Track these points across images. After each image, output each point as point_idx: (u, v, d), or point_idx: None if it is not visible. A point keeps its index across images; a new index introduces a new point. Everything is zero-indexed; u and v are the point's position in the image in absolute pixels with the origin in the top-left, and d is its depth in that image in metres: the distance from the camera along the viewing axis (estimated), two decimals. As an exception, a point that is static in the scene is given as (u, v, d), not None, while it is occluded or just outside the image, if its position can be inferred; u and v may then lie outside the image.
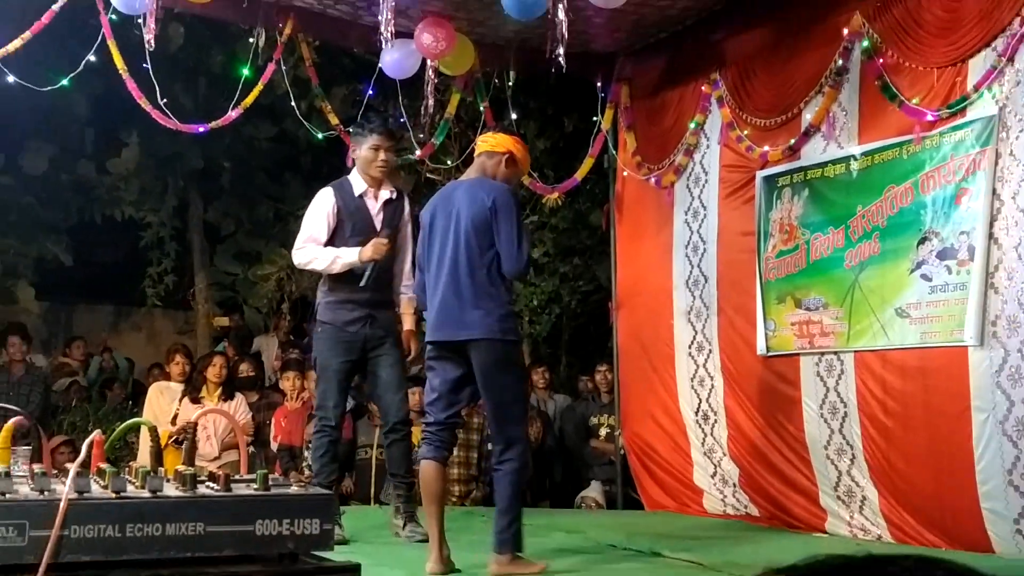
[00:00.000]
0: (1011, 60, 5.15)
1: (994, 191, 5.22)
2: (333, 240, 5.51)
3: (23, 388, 8.69)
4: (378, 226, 5.55)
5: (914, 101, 5.60)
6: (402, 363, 5.73)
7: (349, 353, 5.47)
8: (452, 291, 4.64)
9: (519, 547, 4.51)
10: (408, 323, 5.77)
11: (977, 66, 5.33)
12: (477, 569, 4.65)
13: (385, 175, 5.61)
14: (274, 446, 7.87)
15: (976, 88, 5.31)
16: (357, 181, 5.60)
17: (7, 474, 1.59)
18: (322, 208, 5.52)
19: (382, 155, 5.55)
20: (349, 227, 5.51)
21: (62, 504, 1.50)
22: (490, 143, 4.89)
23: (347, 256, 5.41)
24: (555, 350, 10.76)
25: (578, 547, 5.53)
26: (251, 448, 7.54)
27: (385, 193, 5.64)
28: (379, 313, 5.58)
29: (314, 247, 5.47)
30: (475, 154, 4.97)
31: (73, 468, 1.56)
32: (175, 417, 7.42)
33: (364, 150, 5.56)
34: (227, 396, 7.67)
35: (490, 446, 7.68)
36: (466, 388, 4.81)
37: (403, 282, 5.70)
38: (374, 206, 5.59)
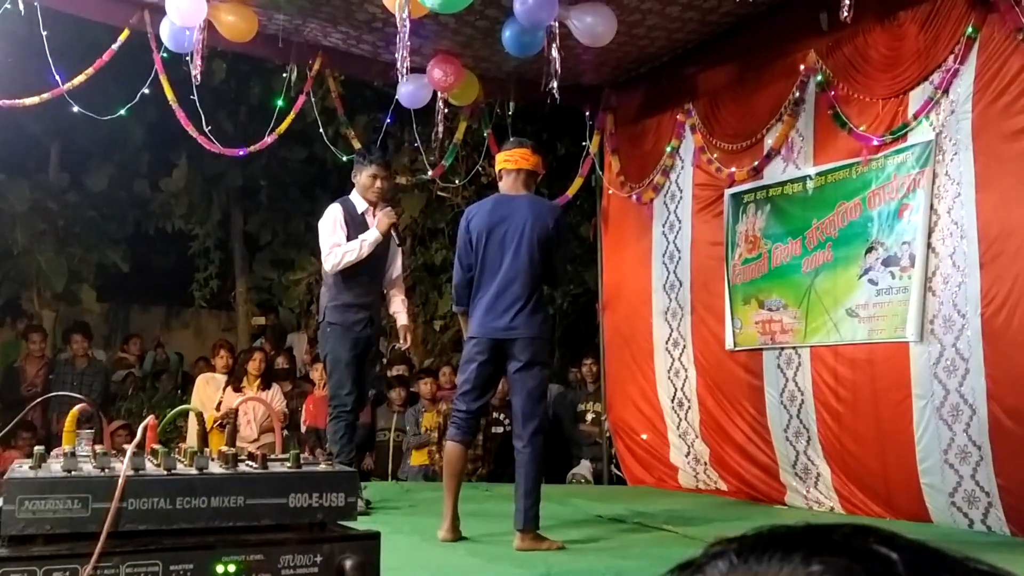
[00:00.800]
0: (946, 92, 5.16)
1: (931, 206, 5.22)
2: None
3: (86, 379, 8.71)
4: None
5: (861, 128, 5.60)
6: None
7: (355, 348, 5.48)
8: (508, 294, 4.60)
9: (538, 524, 4.47)
10: (405, 319, 5.83)
11: (916, 97, 5.34)
12: (482, 537, 4.65)
13: (380, 200, 5.62)
14: (303, 428, 7.88)
15: (915, 116, 5.31)
16: (358, 201, 5.62)
17: (73, 454, 1.59)
18: (335, 219, 5.52)
19: (378, 183, 5.59)
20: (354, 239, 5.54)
21: (121, 480, 1.50)
22: (531, 162, 4.79)
23: (369, 236, 5.45)
24: (551, 347, 10.74)
25: (568, 517, 5.52)
26: (285, 431, 7.54)
27: (387, 210, 5.63)
28: (375, 316, 5.64)
29: (339, 248, 5.45)
30: (512, 167, 4.81)
31: (130, 448, 1.56)
32: (219, 404, 7.41)
33: (364, 177, 5.60)
34: (265, 386, 7.67)
35: (495, 429, 7.71)
36: (496, 382, 4.84)
37: (394, 287, 5.81)
38: (372, 223, 5.57)
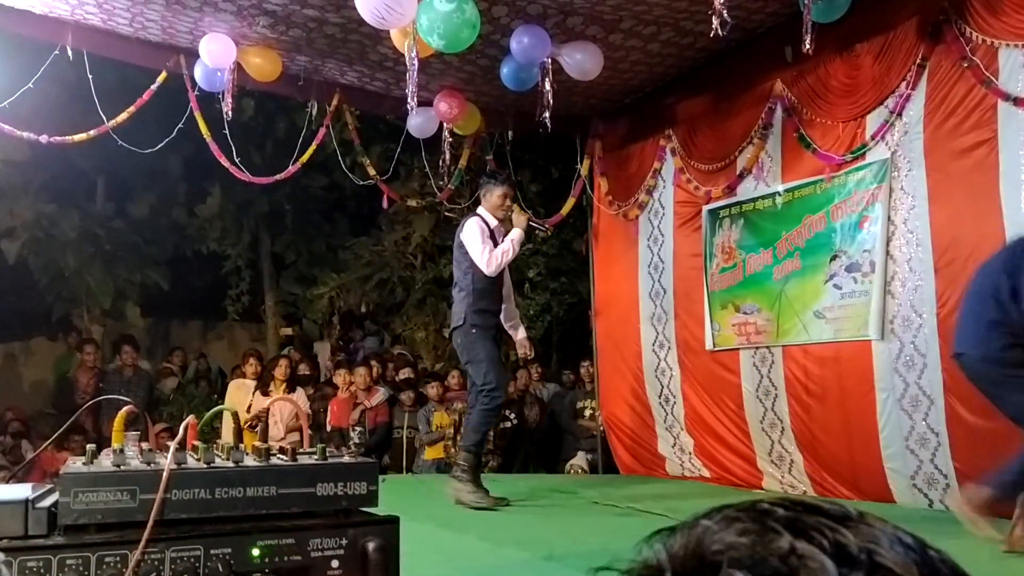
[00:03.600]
0: (899, 115, 5.16)
1: (889, 218, 5.22)
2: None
3: (132, 386, 8.72)
4: None
5: (824, 148, 5.61)
6: None
7: (497, 347, 5.50)
8: None
9: None
10: (523, 332, 5.85)
11: (873, 120, 5.34)
12: (491, 524, 4.63)
13: (507, 217, 5.57)
14: (328, 428, 7.86)
15: (873, 137, 5.32)
16: (488, 218, 5.52)
17: (121, 451, 1.58)
18: (482, 230, 5.41)
19: (508, 202, 5.55)
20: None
21: (165, 473, 1.50)
22: None
23: (515, 235, 5.42)
24: (547, 349, 10.72)
25: (567, 504, 5.51)
26: (309, 431, 7.52)
27: (503, 229, 5.62)
28: (499, 323, 5.64)
29: (495, 252, 5.36)
30: None
31: (173, 445, 1.56)
32: (249, 407, 7.41)
33: (495, 196, 5.51)
34: (290, 390, 7.65)
35: (504, 425, 7.68)
36: None
37: (508, 301, 5.73)
38: (499, 238, 5.53)
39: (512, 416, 7.73)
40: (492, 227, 5.48)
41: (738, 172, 6.25)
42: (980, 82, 4.71)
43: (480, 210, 5.58)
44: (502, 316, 5.67)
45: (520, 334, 5.81)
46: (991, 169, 4.66)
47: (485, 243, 5.35)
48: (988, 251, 4.62)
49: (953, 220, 4.88)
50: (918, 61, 5.03)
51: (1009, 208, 4.57)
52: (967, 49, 4.77)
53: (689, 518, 0.59)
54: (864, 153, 5.38)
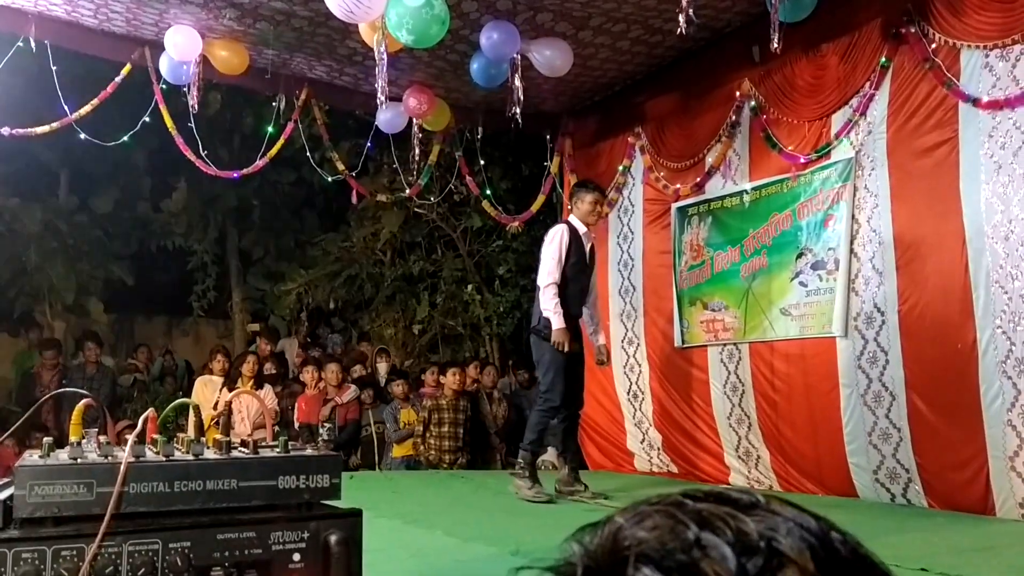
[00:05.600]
0: (863, 114, 5.23)
1: (853, 216, 5.29)
2: (565, 262, 5.54)
3: (95, 383, 8.58)
4: (587, 259, 5.67)
5: (790, 148, 5.68)
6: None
7: (566, 354, 5.51)
8: None
9: None
10: (603, 339, 5.90)
11: (838, 120, 5.41)
12: (459, 520, 4.63)
13: (597, 223, 5.77)
14: (297, 425, 7.80)
15: (837, 136, 5.39)
16: (578, 224, 5.64)
17: (79, 443, 1.57)
18: (563, 241, 5.53)
19: (599, 207, 5.73)
20: (574, 256, 5.56)
21: (123, 466, 1.48)
22: None
23: (556, 324, 5.43)
24: (517, 346, 10.73)
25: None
26: (276, 428, 7.47)
27: (592, 235, 5.76)
28: (578, 328, 5.71)
29: (552, 288, 5.46)
30: None
31: (131, 438, 1.54)
32: (216, 404, 7.33)
33: (585, 204, 5.64)
34: (258, 386, 7.59)
35: (470, 425, 7.68)
36: None
37: (593, 307, 5.84)
38: (587, 244, 5.66)
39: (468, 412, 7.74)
40: (582, 233, 5.62)
41: (706, 170, 6.30)
42: (941, 83, 4.79)
43: (571, 217, 5.71)
44: (585, 320, 5.79)
45: (600, 340, 5.85)
46: (952, 169, 4.74)
47: (558, 263, 5.48)
48: (948, 250, 4.71)
49: (914, 219, 4.95)
50: (882, 62, 5.10)
51: (969, 207, 4.65)
52: (929, 50, 4.84)
53: (609, 514, 0.60)
54: (829, 152, 5.45)
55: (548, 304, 5.44)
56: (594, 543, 0.57)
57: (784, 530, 0.53)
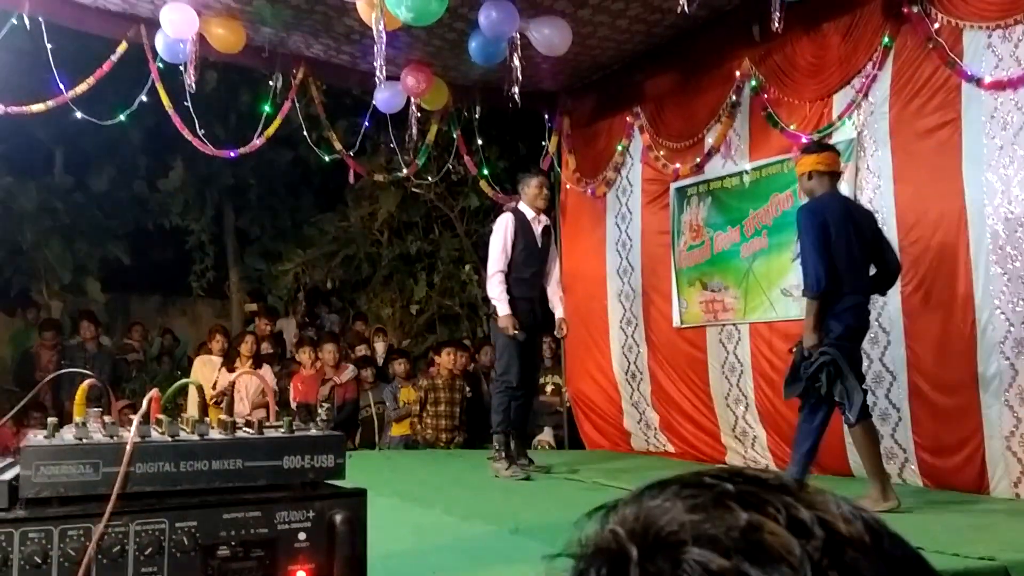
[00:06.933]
0: (865, 95, 5.22)
1: (855, 196, 5.28)
2: (513, 249, 5.70)
3: (96, 361, 8.62)
4: (539, 242, 5.79)
5: (792, 127, 5.66)
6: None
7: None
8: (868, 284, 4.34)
9: None
10: (562, 312, 5.97)
11: (840, 100, 5.40)
12: (457, 498, 4.65)
13: (545, 205, 5.88)
14: (294, 404, 7.82)
15: (839, 117, 5.38)
16: (526, 210, 5.81)
17: (84, 424, 1.57)
18: (507, 229, 5.70)
19: (544, 190, 5.87)
20: (522, 242, 5.71)
21: (128, 446, 1.49)
22: (830, 163, 4.39)
23: (503, 311, 5.58)
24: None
25: (534, 479, 5.55)
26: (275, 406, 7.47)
27: (544, 219, 5.88)
28: (537, 309, 5.84)
29: (497, 277, 5.63)
30: (823, 172, 4.35)
31: (136, 418, 1.54)
32: (215, 383, 7.35)
33: (532, 188, 5.81)
34: (256, 366, 7.60)
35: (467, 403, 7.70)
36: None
37: (552, 284, 5.94)
38: (537, 228, 5.79)
39: (468, 392, 7.76)
40: (530, 218, 5.77)
41: (706, 150, 6.28)
42: (944, 63, 4.77)
43: (520, 204, 5.86)
44: (550, 301, 5.91)
45: (558, 313, 5.95)
46: (954, 149, 4.73)
47: (502, 252, 5.66)
48: (949, 231, 4.72)
49: (917, 199, 4.95)
50: (884, 41, 5.08)
51: (971, 188, 4.65)
52: (932, 30, 4.82)
53: (630, 495, 0.59)
54: (831, 133, 5.44)
55: (493, 292, 5.65)
56: (630, 525, 0.55)
57: (835, 512, 0.53)
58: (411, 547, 3.54)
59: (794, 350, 4.39)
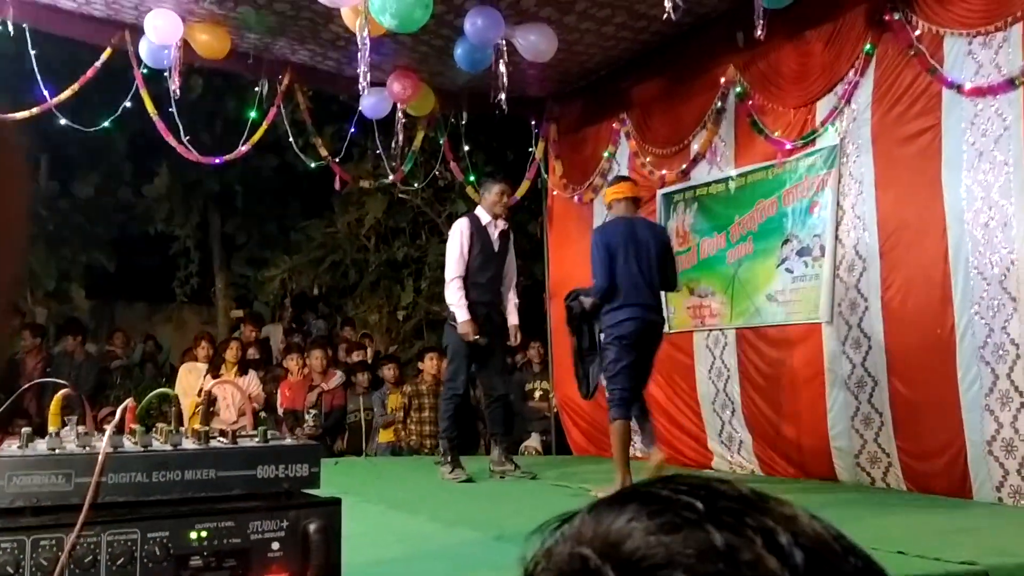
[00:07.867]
0: (848, 102, 5.26)
1: (838, 203, 5.33)
2: (469, 254, 5.72)
3: (83, 370, 8.60)
4: (495, 247, 5.80)
5: (776, 134, 5.69)
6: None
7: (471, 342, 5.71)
8: (653, 294, 4.99)
9: None
10: (515, 319, 5.97)
11: (823, 106, 5.44)
12: (442, 505, 4.65)
13: (504, 212, 5.89)
14: (281, 411, 7.81)
15: (822, 123, 5.41)
16: (482, 214, 5.82)
17: (57, 434, 1.57)
18: (463, 234, 5.72)
19: (505, 197, 5.87)
20: (478, 247, 5.72)
21: (101, 456, 1.49)
22: (624, 191, 5.18)
23: (462, 317, 5.60)
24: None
25: (521, 485, 5.56)
26: (263, 413, 7.47)
27: (501, 224, 5.87)
28: (494, 314, 5.83)
29: (455, 283, 5.64)
30: (619, 199, 5.17)
31: (109, 428, 1.55)
32: (200, 391, 7.33)
33: (492, 194, 5.80)
34: (242, 372, 7.59)
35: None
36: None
37: (509, 291, 5.95)
38: (494, 232, 5.80)
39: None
40: (486, 223, 5.78)
41: (692, 156, 6.32)
42: (925, 69, 4.81)
43: (478, 209, 5.88)
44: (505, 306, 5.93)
45: (512, 320, 5.96)
46: (934, 156, 4.77)
47: (459, 257, 5.68)
48: (930, 236, 4.76)
49: (898, 205, 4.99)
50: (866, 49, 5.12)
51: (949, 194, 4.69)
52: (913, 37, 4.87)
53: (584, 510, 0.56)
54: (814, 139, 5.48)
55: (452, 298, 5.65)
56: (598, 547, 0.52)
57: (810, 533, 0.52)
58: (396, 554, 3.54)
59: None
